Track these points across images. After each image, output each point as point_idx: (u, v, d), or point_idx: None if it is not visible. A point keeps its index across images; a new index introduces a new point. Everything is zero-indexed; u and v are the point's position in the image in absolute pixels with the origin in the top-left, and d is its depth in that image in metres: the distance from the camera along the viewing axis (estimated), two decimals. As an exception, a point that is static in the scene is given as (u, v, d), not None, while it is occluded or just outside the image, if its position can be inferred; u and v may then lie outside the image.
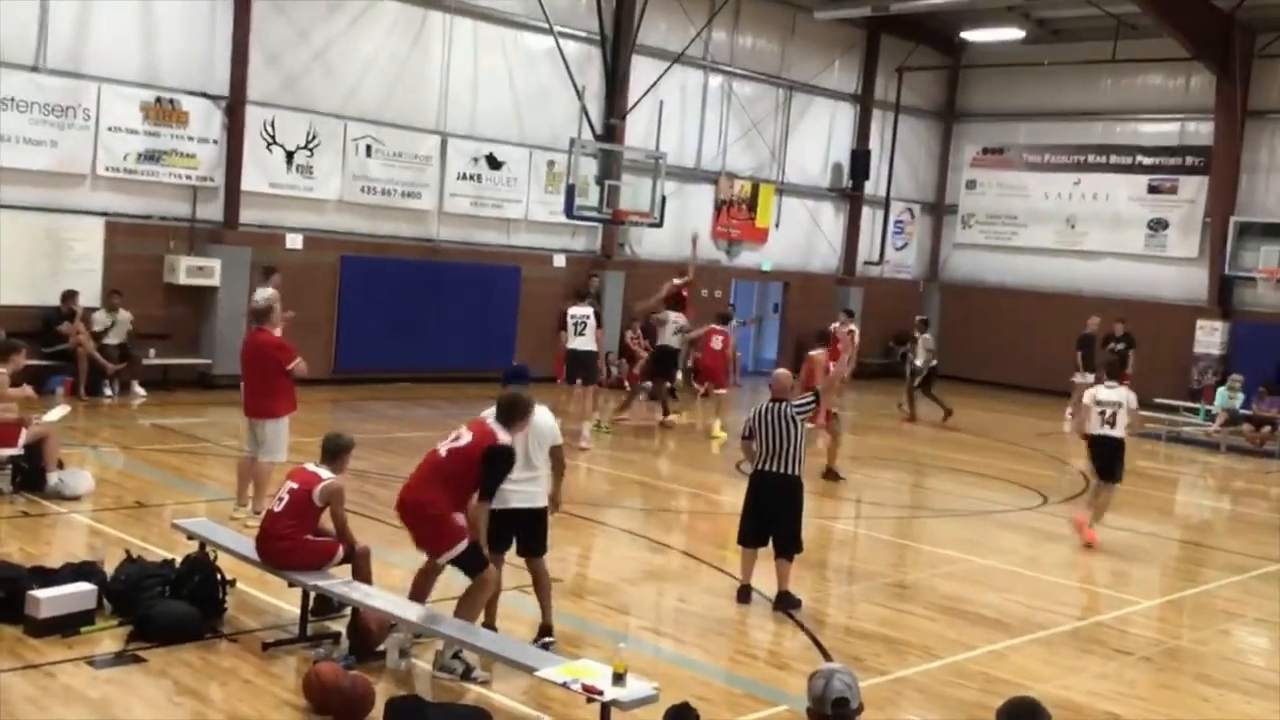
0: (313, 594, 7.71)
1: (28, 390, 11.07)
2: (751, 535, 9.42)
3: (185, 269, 17.86)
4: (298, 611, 7.71)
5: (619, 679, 5.94)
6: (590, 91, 21.96)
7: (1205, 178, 25.77)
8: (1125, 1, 22.99)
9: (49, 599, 7.35)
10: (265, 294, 17.22)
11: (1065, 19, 26.84)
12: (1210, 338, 25.15)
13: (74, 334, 16.56)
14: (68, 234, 17.08)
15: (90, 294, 17.12)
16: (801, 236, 27.51)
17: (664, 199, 21.50)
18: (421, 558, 7.64)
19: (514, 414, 7.47)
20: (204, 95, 18.07)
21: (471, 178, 21.33)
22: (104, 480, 11.61)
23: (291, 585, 7.77)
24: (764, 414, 9.29)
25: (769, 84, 26.10)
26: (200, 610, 7.61)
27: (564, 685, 6.11)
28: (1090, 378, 22.68)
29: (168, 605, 7.55)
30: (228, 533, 8.75)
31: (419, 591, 7.76)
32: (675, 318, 18.69)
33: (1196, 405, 22.92)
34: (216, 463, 13.13)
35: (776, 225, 26.78)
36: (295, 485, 7.81)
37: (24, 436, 10.80)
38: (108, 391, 16.91)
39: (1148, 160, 26.81)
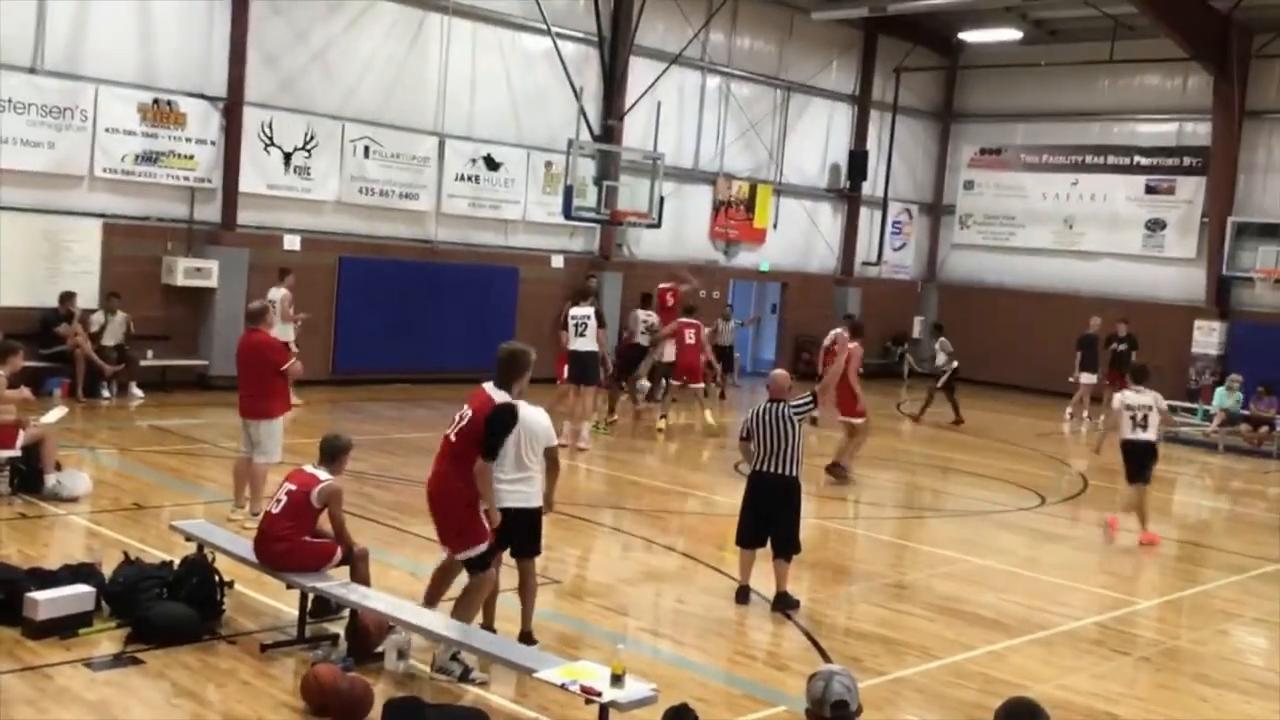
0: (311, 595, 7.70)
1: (25, 392, 11.06)
2: (750, 536, 9.41)
3: (183, 270, 17.86)
4: (296, 613, 7.70)
5: (617, 680, 5.93)
6: (588, 92, 21.96)
7: (1203, 178, 25.78)
8: (1123, 2, 23.00)
9: (47, 601, 7.34)
10: (279, 295, 17.45)
11: (1063, 19, 26.86)
12: (1208, 338, 25.17)
13: (72, 335, 16.55)
14: (65, 235, 17.07)
15: (88, 295, 17.11)
16: (799, 237, 27.52)
17: (662, 200, 21.51)
18: (434, 558, 7.62)
19: (513, 368, 7.44)
20: (202, 96, 18.06)
21: (469, 179, 21.33)
22: (102, 482, 11.61)
23: (290, 587, 7.76)
24: (762, 415, 9.29)
25: (767, 85, 26.11)
26: (198, 612, 7.61)
27: (562, 687, 6.10)
28: (1093, 379, 22.79)
29: (166, 607, 7.55)
30: (226, 534, 8.75)
31: (436, 591, 7.75)
32: (644, 316, 18.73)
33: (1194, 405, 22.93)
34: (214, 464, 13.12)
35: (774, 226, 26.79)
36: (293, 487, 7.80)
37: (22, 438, 10.78)
38: (105, 393, 16.90)
39: (1145, 161, 26.83)
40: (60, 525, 10.28)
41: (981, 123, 29.63)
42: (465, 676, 7.16)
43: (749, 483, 9.51)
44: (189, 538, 8.43)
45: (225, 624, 7.77)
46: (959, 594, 10.18)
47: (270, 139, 18.79)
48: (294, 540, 7.70)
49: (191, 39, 17.95)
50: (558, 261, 22.79)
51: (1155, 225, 26.65)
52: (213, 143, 18.22)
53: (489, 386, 7.43)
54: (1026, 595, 10.35)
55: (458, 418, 7.44)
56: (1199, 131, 25.97)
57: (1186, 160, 26.24)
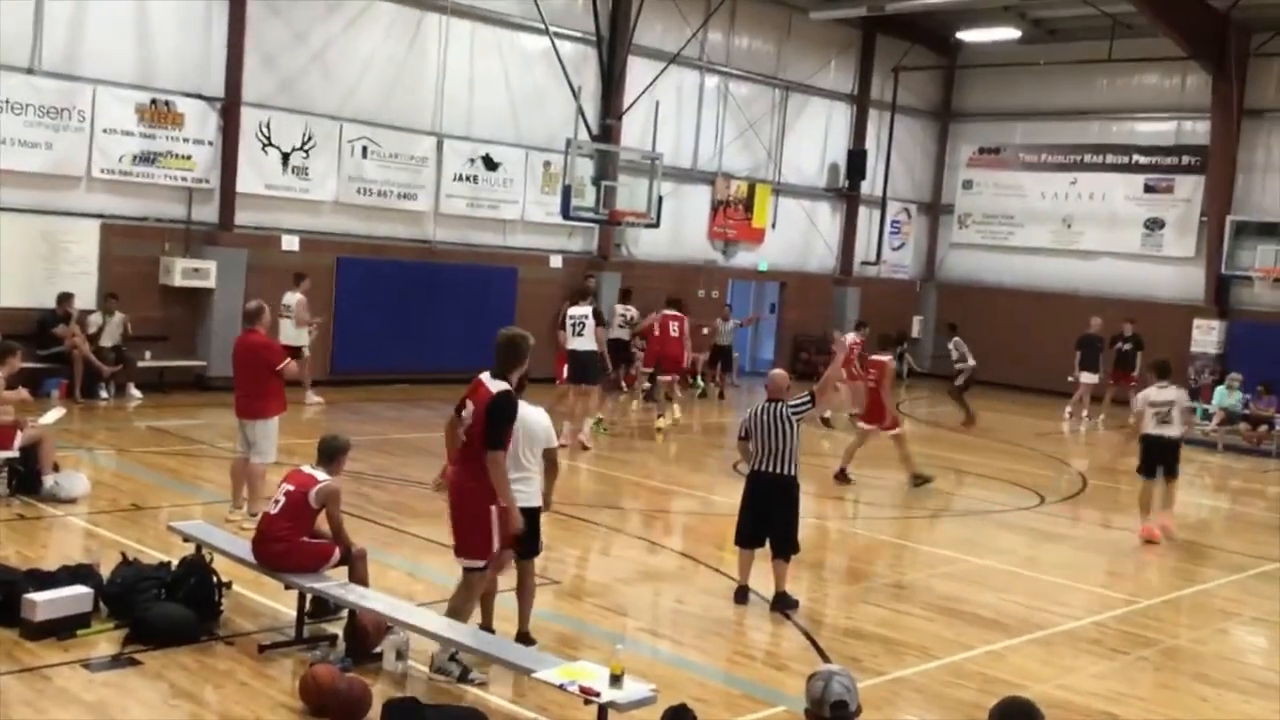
0: (309, 596, 7.69)
1: (23, 393, 11.05)
2: (748, 536, 9.40)
3: (181, 271, 17.84)
4: (294, 614, 7.69)
5: (616, 680, 5.92)
6: (586, 92, 21.96)
7: (1201, 177, 25.79)
8: (1121, 1, 22.99)
9: (45, 602, 7.33)
10: (294, 299, 17.55)
11: (1061, 19, 26.86)
12: (1207, 337, 25.17)
13: (69, 336, 16.54)
14: (63, 236, 17.05)
15: (86, 296, 17.10)
16: (798, 236, 27.51)
17: (660, 199, 21.51)
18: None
19: (512, 355, 7.35)
20: (199, 97, 18.05)
21: (468, 179, 21.32)
22: (100, 483, 11.60)
23: (288, 587, 7.75)
24: (760, 414, 9.28)
25: (765, 84, 26.10)
26: (196, 613, 7.59)
27: (561, 687, 6.09)
28: (1093, 378, 22.79)
29: (164, 608, 7.54)
30: (224, 535, 8.74)
31: (485, 607, 7.68)
32: (622, 310, 18.76)
33: (1194, 404, 22.89)
34: (212, 465, 13.11)
35: (773, 225, 26.78)
36: (291, 487, 7.79)
37: (19, 439, 10.77)
38: (103, 394, 16.88)
39: (1144, 159, 26.84)
40: (58, 526, 10.26)
41: (980, 122, 29.63)
42: (464, 677, 7.15)
43: (747, 482, 9.50)
44: (187, 538, 8.42)
45: (223, 625, 7.76)
46: (958, 594, 10.17)
47: (268, 139, 18.77)
48: (292, 541, 7.69)
49: (189, 39, 17.93)
50: (556, 261, 22.78)
51: (1154, 224, 26.65)
52: (210, 143, 18.21)
53: (485, 377, 7.31)
54: (1026, 595, 10.34)
55: (465, 417, 7.29)
56: (1198, 130, 25.98)
57: (1185, 159, 26.25)
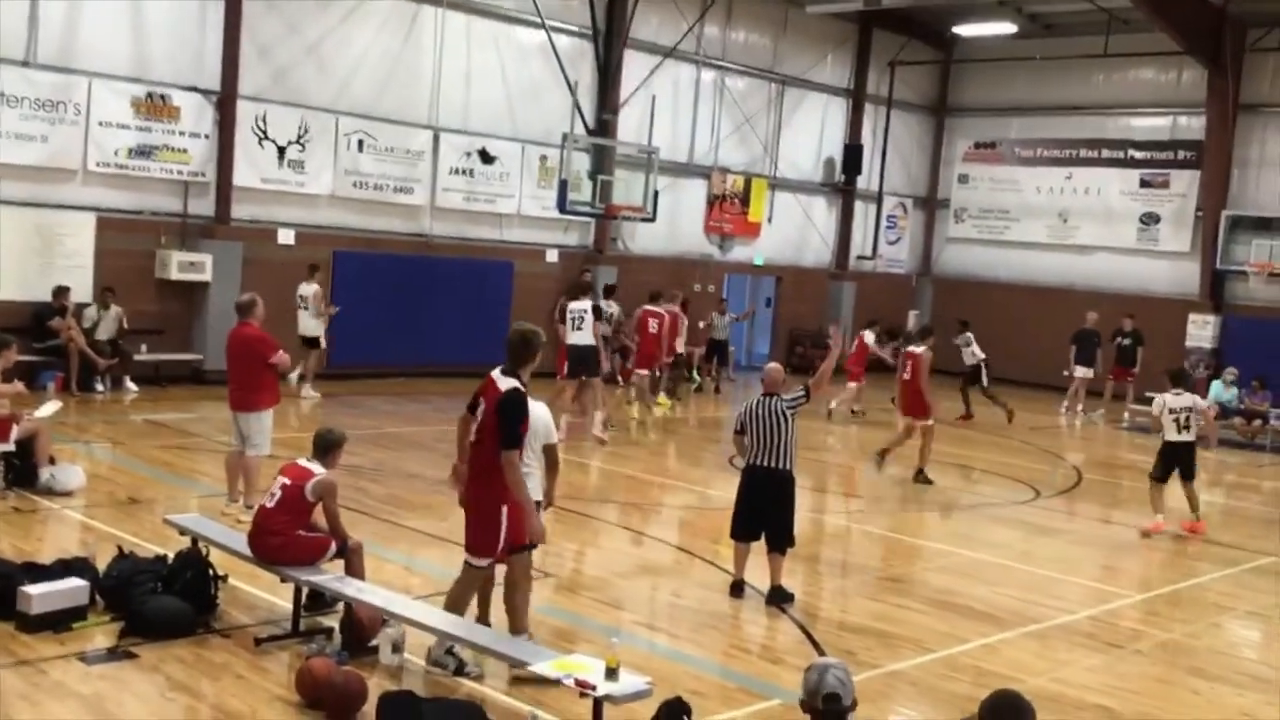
0: (305, 589, 7.69)
1: (19, 386, 11.04)
2: (744, 530, 9.42)
3: (177, 264, 17.83)
4: (290, 607, 7.69)
5: (612, 674, 5.92)
6: (582, 86, 21.95)
7: (1197, 172, 25.81)
8: (1117, -4, 23.03)
9: (41, 595, 7.34)
10: (310, 291, 17.65)
11: (1057, 13, 26.86)
12: (1202, 331, 25.21)
13: (65, 329, 16.53)
14: (59, 229, 17.04)
15: (82, 289, 17.08)
16: (794, 231, 27.52)
17: (656, 194, 21.52)
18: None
19: (524, 350, 7.29)
20: (195, 90, 18.03)
21: (464, 173, 21.31)
22: (96, 476, 11.60)
23: (284, 581, 7.75)
24: (755, 409, 9.29)
25: (761, 79, 26.10)
26: (192, 606, 7.60)
27: (557, 680, 6.10)
28: (1088, 373, 22.81)
29: (160, 601, 7.54)
30: (220, 528, 8.74)
31: (483, 599, 7.67)
32: (605, 306, 18.77)
33: (1211, 405, 22.92)
34: (208, 458, 13.11)
35: (769, 220, 26.79)
36: (288, 480, 7.79)
37: (15, 432, 10.76)
38: (99, 387, 16.89)
39: (1139, 155, 26.85)
40: (54, 519, 10.26)
41: (976, 117, 29.64)
42: (460, 670, 7.16)
43: (743, 476, 9.51)
44: (183, 532, 8.42)
45: (219, 618, 7.76)
46: (953, 587, 10.19)
47: (264, 133, 18.75)
48: (288, 534, 7.70)
49: (185, 32, 17.91)
50: (552, 256, 22.77)
51: (1149, 219, 26.67)
52: (206, 136, 18.18)
53: (496, 374, 7.26)
54: (1020, 589, 10.36)
55: (479, 415, 7.25)
56: (1193, 125, 25.99)
57: (1181, 154, 26.26)
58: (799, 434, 9.47)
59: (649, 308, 18.77)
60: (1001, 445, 18.71)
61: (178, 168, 17.98)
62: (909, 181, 30.07)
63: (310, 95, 19.25)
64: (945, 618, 9.28)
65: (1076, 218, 27.69)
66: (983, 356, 20.88)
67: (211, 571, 7.88)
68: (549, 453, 7.77)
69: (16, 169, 16.48)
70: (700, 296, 23.96)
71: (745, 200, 26.23)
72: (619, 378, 21.00)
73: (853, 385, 20.28)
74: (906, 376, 14.94)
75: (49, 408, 11.82)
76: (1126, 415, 21.95)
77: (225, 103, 18.22)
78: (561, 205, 20.29)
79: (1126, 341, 22.81)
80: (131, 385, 17.33)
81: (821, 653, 7.97)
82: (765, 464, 9.24)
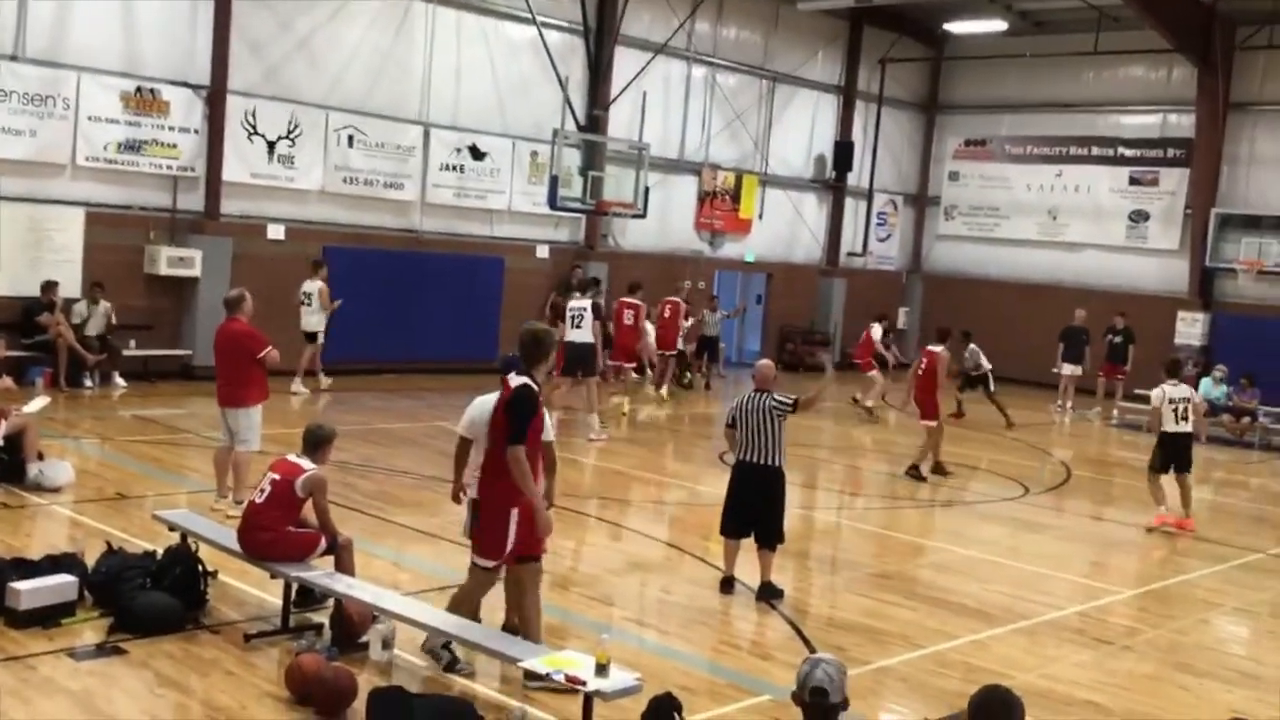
0: (295, 585, 7.68)
1: (7, 381, 11.04)
2: (734, 526, 9.43)
3: (166, 259, 17.79)
4: (280, 603, 7.68)
5: (602, 670, 5.93)
6: (573, 82, 21.93)
7: (1186, 170, 25.88)
8: (1107, -6, 23.08)
9: (29, 591, 7.32)
10: (315, 287, 17.66)
11: (1047, 11, 26.92)
12: (1191, 329, 25.29)
13: (54, 325, 16.48)
14: (47, 224, 16.98)
15: (70, 284, 17.03)
16: (785, 227, 27.54)
17: (647, 190, 21.51)
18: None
19: (538, 349, 7.22)
20: (185, 85, 17.98)
21: (454, 168, 21.28)
22: (84, 472, 11.57)
23: (274, 576, 7.74)
24: (746, 404, 9.30)
25: (752, 75, 26.11)
26: (182, 602, 7.58)
27: (547, 676, 6.11)
28: (1077, 370, 22.86)
29: (149, 597, 7.52)
30: (209, 524, 8.72)
31: (519, 611, 7.53)
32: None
33: (1205, 400, 22.99)
34: (197, 454, 13.07)
35: (760, 216, 26.80)
36: (277, 476, 7.78)
37: (3, 428, 10.74)
38: (88, 383, 16.84)
39: (1129, 152, 26.92)
40: (43, 515, 10.23)
41: (966, 114, 29.68)
42: (451, 666, 7.15)
43: (733, 472, 9.53)
44: (172, 527, 8.40)
45: (209, 614, 7.75)
46: (943, 584, 10.21)
47: (254, 128, 18.71)
48: (278, 530, 7.69)
49: (175, 27, 17.86)
50: (543, 252, 22.75)
51: (1139, 217, 26.74)
52: (196, 131, 18.14)
53: (511, 377, 7.19)
54: (1009, 585, 10.39)
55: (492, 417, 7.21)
56: (1183, 123, 26.06)
57: (1170, 152, 26.34)
58: (789, 430, 9.47)
59: (625, 299, 18.77)
60: (992, 442, 18.75)
61: (167, 163, 17.93)
62: (899, 178, 30.10)
63: (300, 90, 19.21)
64: (935, 614, 9.30)
65: (1066, 215, 27.76)
66: (989, 366, 20.91)
67: (201, 567, 7.87)
68: (546, 451, 7.75)
69: (5, 164, 16.42)
70: (691, 293, 23.95)
71: (736, 197, 26.23)
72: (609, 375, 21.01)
73: (874, 376, 20.23)
74: (921, 371, 15.04)
75: (37, 403, 11.79)
76: (1116, 412, 22.00)
77: (215, 98, 18.18)
78: (552, 201, 20.27)
79: (1118, 339, 22.88)
80: (120, 381, 17.28)
81: (812, 649, 7.98)
82: (755, 460, 9.25)
